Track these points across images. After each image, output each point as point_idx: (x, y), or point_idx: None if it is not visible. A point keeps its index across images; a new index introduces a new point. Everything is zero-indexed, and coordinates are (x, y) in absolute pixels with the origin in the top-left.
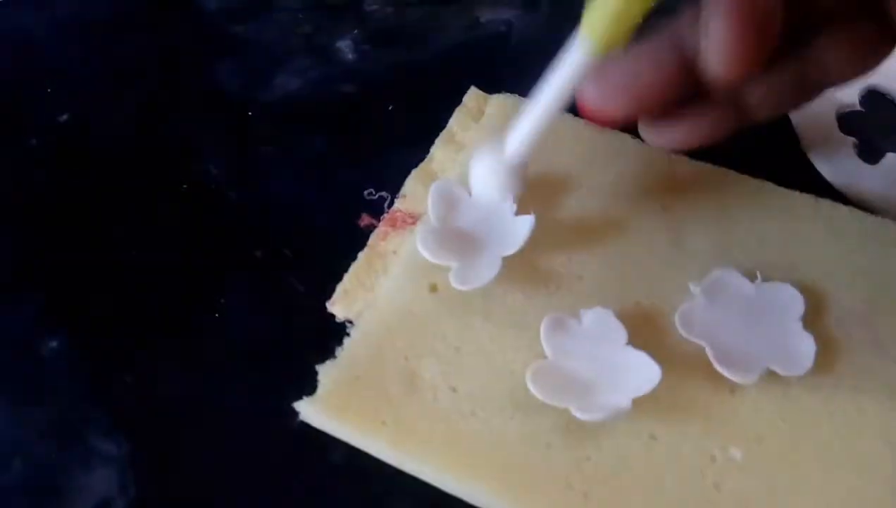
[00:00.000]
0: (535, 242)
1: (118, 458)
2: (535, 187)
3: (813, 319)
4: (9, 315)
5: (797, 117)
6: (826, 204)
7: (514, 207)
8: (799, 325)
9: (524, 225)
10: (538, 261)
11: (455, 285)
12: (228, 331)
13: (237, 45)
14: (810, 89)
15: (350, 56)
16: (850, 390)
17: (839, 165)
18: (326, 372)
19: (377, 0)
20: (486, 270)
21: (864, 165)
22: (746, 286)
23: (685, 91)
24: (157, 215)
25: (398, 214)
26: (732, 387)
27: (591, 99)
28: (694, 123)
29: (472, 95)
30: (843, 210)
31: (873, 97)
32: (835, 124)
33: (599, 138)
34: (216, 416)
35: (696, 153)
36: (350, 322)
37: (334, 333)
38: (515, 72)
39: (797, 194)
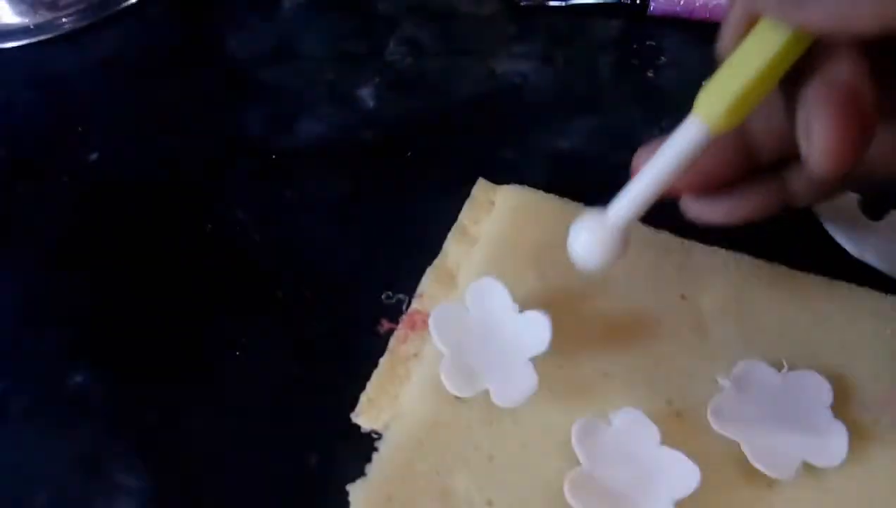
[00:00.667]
0: (555, 338)
1: (140, 492)
2: (549, 280)
3: (841, 406)
4: (37, 350)
5: None
6: (842, 286)
7: (517, 306)
8: (829, 413)
9: (541, 323)
10: (560, 358)
11: (500, 404)
12: (249, 369)
13: (263, 91)
14: (853, 181)
15: (371, 103)
16: (885, 478)
17: (844, 222)
18: (358, 493)
19: (398, 50)
20: (524, 381)
21: (868, 221)
22: (773, 376)
23: (742, 173)
24: (182, 254)
25: (417, 315)
26: (770, 481)
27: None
28: (741, 200)
29: (481, 187)
30: (859, 291)
31: None
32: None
33: None
34: (236, 455)
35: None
36: (376, 434)
37: (348, 379)
38: (528, 122)
39: (812, 276)
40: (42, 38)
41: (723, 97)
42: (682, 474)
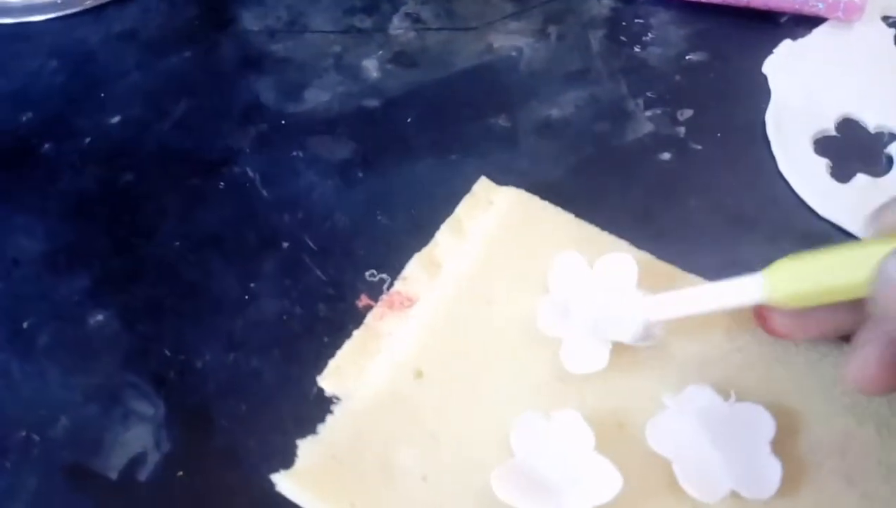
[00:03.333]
0: (523, 339)
1: (154, 418)
2: (532, 288)
3: (785, 444)
4: (60, 292)
5: (775, 141)
6: None
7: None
8: (768, 448)
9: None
10: (526, 357)
11: (567, 365)
12: (256, 312)
13: (275, 62)
14: None
15: (374, 74)
16: None
17: (813, 184)
18: (306, 448)
19: (401, 25)
20: (597, 351)
21: (837, 184)
22: (719, 404)
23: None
24: (198, 209)
25: (396, 295)
26: (694, 504)
27: (781, 327)
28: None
29: (483, 185)
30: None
31: (847, 124)
32: (811, 148)
33: (595, 237)
34: (242, 385)
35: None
36: (337, 398)
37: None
38: (522, 92)
39: None
40: (67, 12)
41: (794, 286)
42: (606, 481)
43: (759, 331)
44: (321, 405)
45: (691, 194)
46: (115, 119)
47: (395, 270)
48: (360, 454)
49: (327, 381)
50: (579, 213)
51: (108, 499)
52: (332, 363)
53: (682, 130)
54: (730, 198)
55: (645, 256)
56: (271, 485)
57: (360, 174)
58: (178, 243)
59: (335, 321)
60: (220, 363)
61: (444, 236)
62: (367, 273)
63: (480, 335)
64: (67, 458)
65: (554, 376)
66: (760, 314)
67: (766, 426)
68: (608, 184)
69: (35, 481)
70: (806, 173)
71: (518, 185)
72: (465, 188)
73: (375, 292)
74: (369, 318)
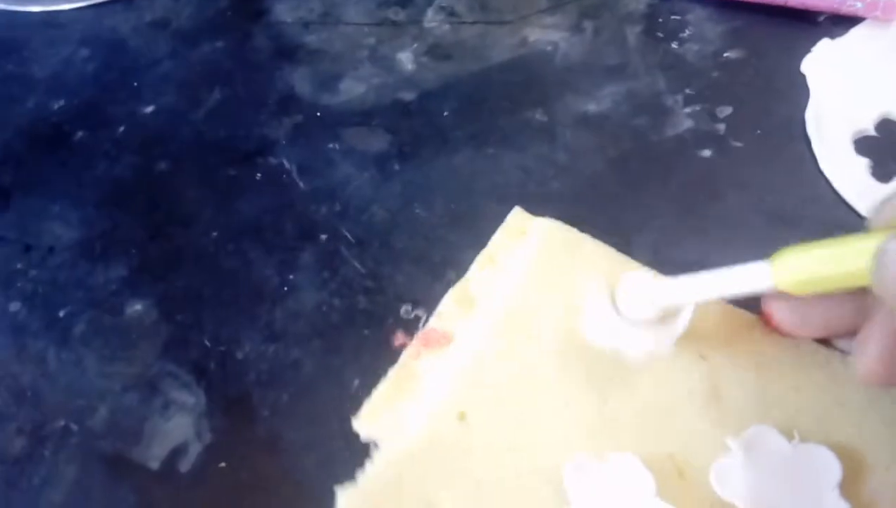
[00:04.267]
0: (570, 376)
1: (195, 408)
2: (570, 318)
3: (850, 486)
4: (97, 281)
5: (816, 140)
6: None
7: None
8: (836, 493)
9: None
10: (573, 396)
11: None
12: (295, 303)
13: (310, 53)
14: None
15: (409, 67)
16: None
17: (854, 183)
18: (345, 496)
19: (436, 18)
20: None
21: (878, 183)
22: (784, 446)
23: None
24: (234, 199)
25: (433, 332)
26: None
27: (785, 323)
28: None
29: (517, 215)
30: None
31: (887, 124)
32: (851, 147)
33: (620, 263)
34: (282, 376)
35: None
36: (374, 444)
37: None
38: (558, 87)
39: (834, 352)
40: (98, 0)
41: (800, 272)
42: None
43: (812, 369)
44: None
45: (732, 191)
46: (149, 108)
47: (434, 265)
48: (400, 501)
49: (363, 425)
50: (621, 207)
51: (149, 490)
52: (368, 406)
53: (721, 127)
54: (771, 196)
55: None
56: (312, 477)
57: (397, 167)
58: (215, 233)
59: (375, 313)
60: (261, 354)
61: (477, 270)
62: (401, 309)
63: (523, 373)
64: (107, 448)
65: (606, 416)
66: (766, 313)
67: (833, 468)
68: (648, 179)
69: (74, 470)
70: (847, 172)
71: (558, 179)
72: (505, 181)
73: (411, 328)
74: (404, 357)
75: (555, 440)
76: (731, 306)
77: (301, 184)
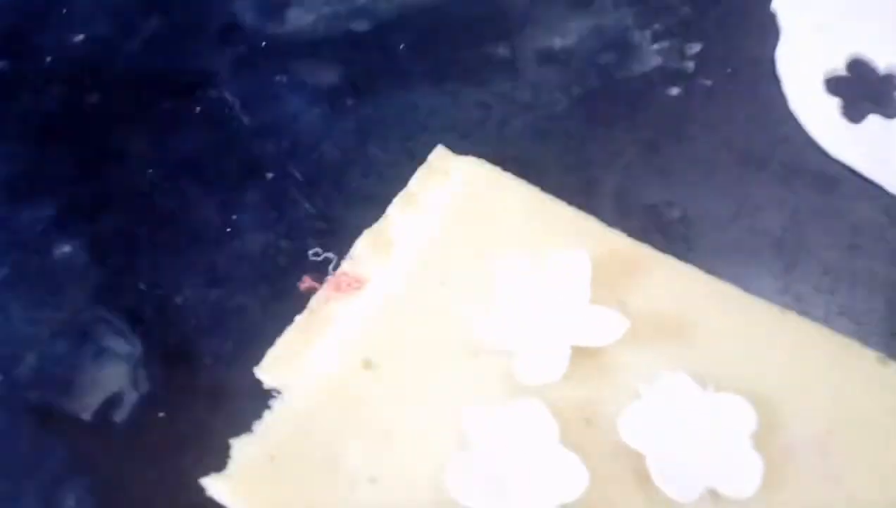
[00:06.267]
0: (485, 322)
1: (130, 357)
2: (480, 263)
3: (765, 439)
4: (23, 221)
5: (786, 79)
6: (793, 317)
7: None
8: (749, 443)
9: (602, 317)
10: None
11: (520, 378)
12: (240, 245)
13: None
14: None
15: None
16: None
17: (825, 123)
18: (240, 448)
19: None
20: (555, 361)
21: (849, 124)
22: (697, 393)
23: None
24: (171, 134)
25: (343, 277)
26: (669, 502)
27: None
28: None
29: (439, 155)
30: (812, 327)
31: (858, 64)
32: (822, 87)
33: (560, 214)
34: (227, 321)
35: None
36: (277, 392)
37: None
38: (523, 20)
39: (764, 302)
40: None
41: None
42: (571, 476)
43: (735, 315)
44: (260, 399)
45: (700, 131)
46: (79, 37)
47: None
48: (301, 454)
49: (266, 373)
50: (585, 146)
51: (81, 442)
52: (271, 353)
53: (690, 64)
54: (740, 136)
55: (614, 234)
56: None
57: (350, 102)
58: (150, 171)
59: (326, 256)
60: (202, 299)
61: (396, 211)
62: (310, 252)
63: (435, 321)
64: (35, 399)
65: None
66: None
67: (748, 418)
68: (614, 118)
69: (0, 422)
70: (817, 113)
71: (520, 116)
72: (464, 118)
73: (320, 272)
74: (313, 302)
75: (463, 391)
76: (655, 250)
77: (245, 119)
